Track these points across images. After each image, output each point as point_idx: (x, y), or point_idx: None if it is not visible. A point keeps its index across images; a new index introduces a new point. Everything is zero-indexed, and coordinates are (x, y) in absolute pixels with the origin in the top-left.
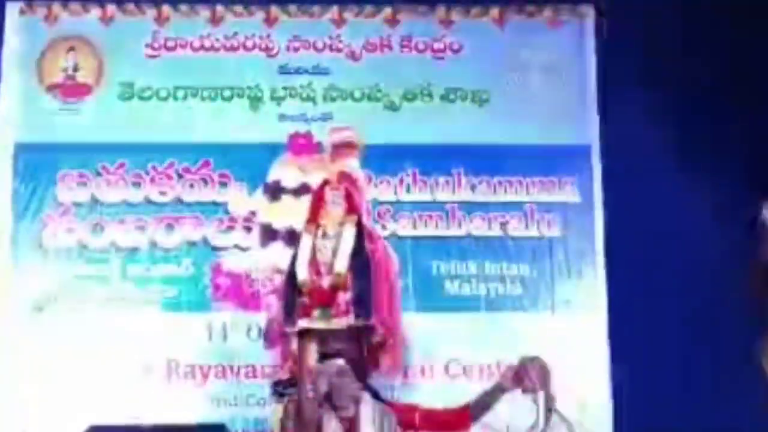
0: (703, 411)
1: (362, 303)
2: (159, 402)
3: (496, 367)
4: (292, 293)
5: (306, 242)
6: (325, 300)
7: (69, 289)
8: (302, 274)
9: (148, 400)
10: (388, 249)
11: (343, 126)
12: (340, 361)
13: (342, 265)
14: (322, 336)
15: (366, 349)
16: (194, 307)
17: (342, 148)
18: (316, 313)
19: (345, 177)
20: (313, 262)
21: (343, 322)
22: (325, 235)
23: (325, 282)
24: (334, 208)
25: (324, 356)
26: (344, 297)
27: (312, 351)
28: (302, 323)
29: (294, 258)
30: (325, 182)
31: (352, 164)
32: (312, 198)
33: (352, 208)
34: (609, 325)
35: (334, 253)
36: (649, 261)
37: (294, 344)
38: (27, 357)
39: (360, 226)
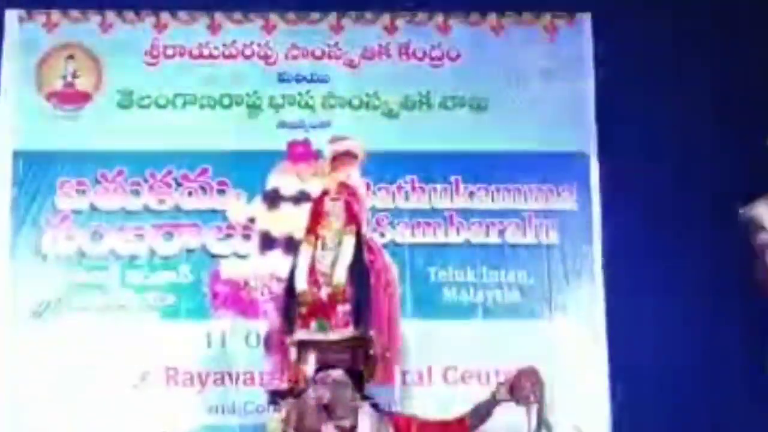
0: (701, 412)
1: (361, 315)
2: (157, 409)
3: (494, 374)
4: (291, 304)
5: (305, 253)
6: (324, 311)
7: (68, 296)
8: (301, 285)
9: (147, 407)
10: (387, 260)
11: (345, 135)
12: (339, 372)
13: (341, 276)
14: (320, 347)
15: (365, 360)
16: (193, 314)
17: (343, 157)
18: (314, 324)
19: (345, 187)
20: (312, 273)
21: (342, 333)
22: (324, 246)
23: (324, 293)
24: (334, 219)
25: (323, 367)
26: (343, 308)
27: (311, 361)
28: (300, 334)
29: (293, 269)
30: (325, 192)
31: (352, 174)
32: (311, 208)
33: (351, 218)
34: (607, 332)
35: (333, 264)
36: (648, 267)
37: (293, 354)
38: (25, 364)
39: (359, 237)
